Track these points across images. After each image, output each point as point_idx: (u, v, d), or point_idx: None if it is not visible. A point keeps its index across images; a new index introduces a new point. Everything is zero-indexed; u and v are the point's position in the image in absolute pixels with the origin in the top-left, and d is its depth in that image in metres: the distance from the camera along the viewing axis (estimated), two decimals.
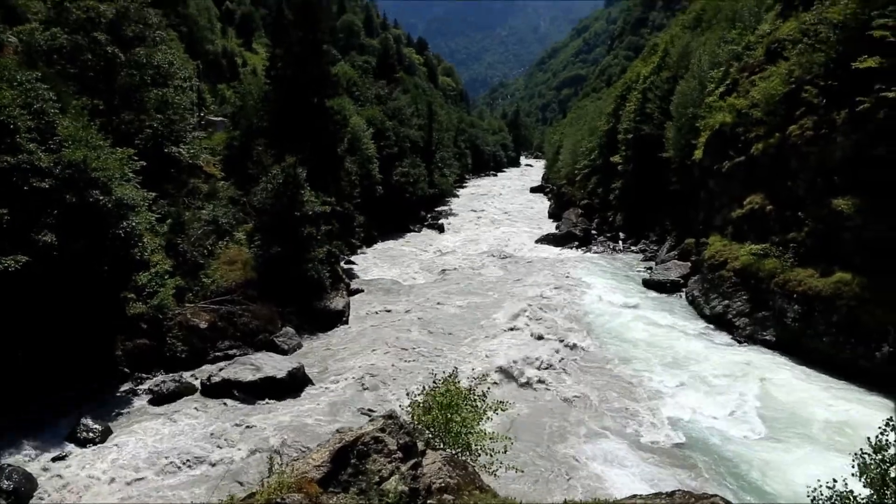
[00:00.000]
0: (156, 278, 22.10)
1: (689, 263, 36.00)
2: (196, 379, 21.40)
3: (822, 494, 5.92)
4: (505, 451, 9.83)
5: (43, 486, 14.90)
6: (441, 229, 60.13)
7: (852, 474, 5.85)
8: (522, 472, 12.35)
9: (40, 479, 15.13)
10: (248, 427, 18.24)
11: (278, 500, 5.93)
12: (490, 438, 9.77)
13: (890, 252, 20.85)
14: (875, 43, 22.59)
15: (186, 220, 26.74)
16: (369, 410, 19.15)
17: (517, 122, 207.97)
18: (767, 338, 24.90)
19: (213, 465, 16.14)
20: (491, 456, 9.63)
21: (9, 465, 14.97)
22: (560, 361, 23.66)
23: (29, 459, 15.89)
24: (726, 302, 27.83)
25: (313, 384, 21.65)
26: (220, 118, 44.97)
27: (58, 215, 18.11)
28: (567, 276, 39.09)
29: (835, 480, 5.93)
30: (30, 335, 17.50)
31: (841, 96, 24.00)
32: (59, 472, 15.56)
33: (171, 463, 16.06)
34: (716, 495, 8.62)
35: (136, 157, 22.30)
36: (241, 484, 14.50)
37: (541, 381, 21.93)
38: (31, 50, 25.02)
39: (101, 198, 18.74)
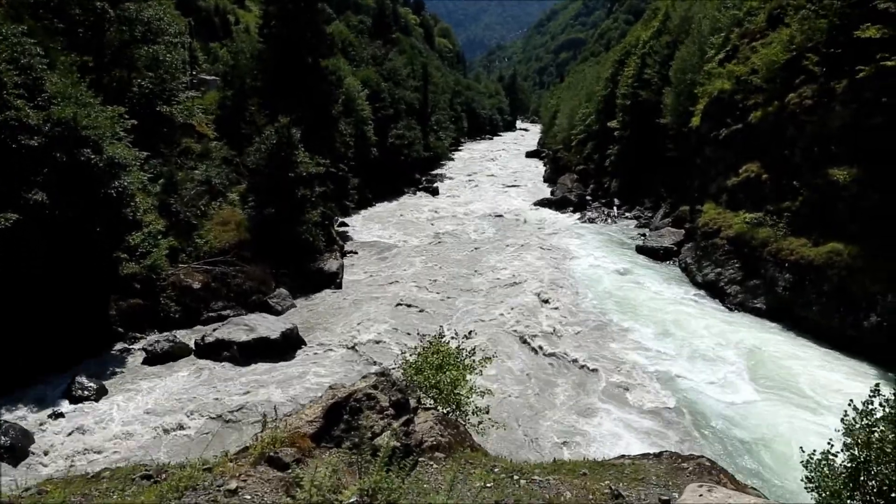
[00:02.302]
0: (149, 238, 22.01)
1: (682, 231, 36.10)
2: (190, 339, 21.49)
3: (811, 459, 6.04)
4: (487, 412, 9.98)
5: (39, 442, 15.08)
6: (436, 192, 59.90)
7: (840, 440, 5.97)
8: (504, 427, 12.52)
9: (37, 435, 15.29)
10: (241, 386, 18.43)
11: (271, 453, 6.01)
12: (478, 393, 9.91)
13: (884, 221, 20.94)
14: (878, 12, 22.34)
15: (179, 180, 26.51)
16: (362, 370, 19.34)
17: (514, 85, 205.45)
18: (758, 306, 25.15)
19: (207, 422, 16.33)
20: (479, 416, 9.79)
21: (6, 422, 15.11)
22: (551, 325, 23.87)
23: (26, 416, 16.03)
24: (718, 270, 28.00)
25: (306, 344, 21.82)
26: (212, 77, 44.15)
27: (48, 174, 17.90)
28: (561, 241, 39.19)
29: (830, 443, 6.05)
30: (23, 294, 17.46)
31: (841, 65, 23.81)
32: (56, 429, 15.72)
33: (165, 420, 16.24)
34: (702, 456, 8.81)
35: (126, 116, 21.96)
36: (234, 440, 14.70)
37: (532, 344, 22.16)
38: (17, 3, 24.31)
39: (91, 156, 18.51)
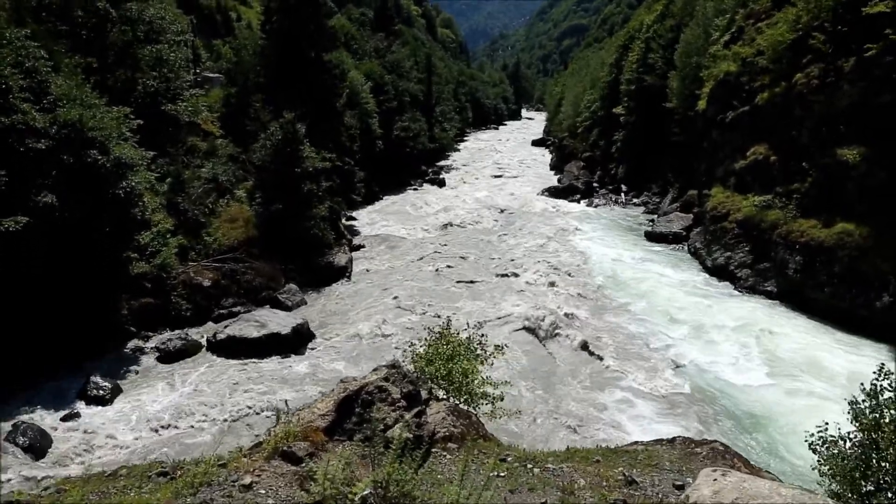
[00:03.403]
0: (158, 237, 22.11)
1: (691, 215, 35.93)
2: (201, 336, 21.64)
3: (818, 440, 6.01)
4: (502, 399, 9.98)
5: (57, 441, 15.25)
6: (442, 184, 59.79)
7: (849, 421, 5.93)
8: (518, 413, 12.51)
9: (54, 435, 15.45)
10: (253, 382, 18.54)
11: (285, 448, 6.06)
12: (491, 385, 9.91)
13: (892, 199, 20.75)
14: None
15: (186, 178, 26.59)
16: (373, 362, 19.40)
17: (518, 74, 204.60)
18: (769, 289, 25.02)
19: (221, 419, 16.46)
20: (493, 404, 9.79)
21: (23, 423, 15.29)
22: (562, 311, 23.82)
23: (42, 417, 16.19)
24: (728, 253, 27.86)
25: (317, 338, 21.91)
26: (216, 74, 44.12)
27: (56, 176, 18.00)
28: (569, 229, 39.09)
29: (826, 424, 6.02)
30: (37, 295, 17.62)
31: (849, 43, 23.50)
32: (72, 429, 15.89)
33: (179, 418, 16.38)
34: (715, 441, 8.79)
35: (132, 116, 22.01)
36: (248, 435, 14.81)
37: (545, 332, 22.12)
38: (20, 6, 24.37)
39: (98, 157, 18.58)
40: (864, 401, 5.81)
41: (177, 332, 21.55)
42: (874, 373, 5.97)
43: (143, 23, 27.69)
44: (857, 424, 5.76)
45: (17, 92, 17.72)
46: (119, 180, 19.27)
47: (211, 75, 44.26)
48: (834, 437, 5.94)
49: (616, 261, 31.64)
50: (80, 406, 16.92)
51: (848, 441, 5.83)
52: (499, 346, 10.63)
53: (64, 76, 20.38)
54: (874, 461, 5.47)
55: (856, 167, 22.12)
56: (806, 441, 6.10)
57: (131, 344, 20.82)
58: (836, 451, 5.82)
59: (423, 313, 24.33)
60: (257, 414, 16.62)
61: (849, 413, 5.91)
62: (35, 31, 20.88)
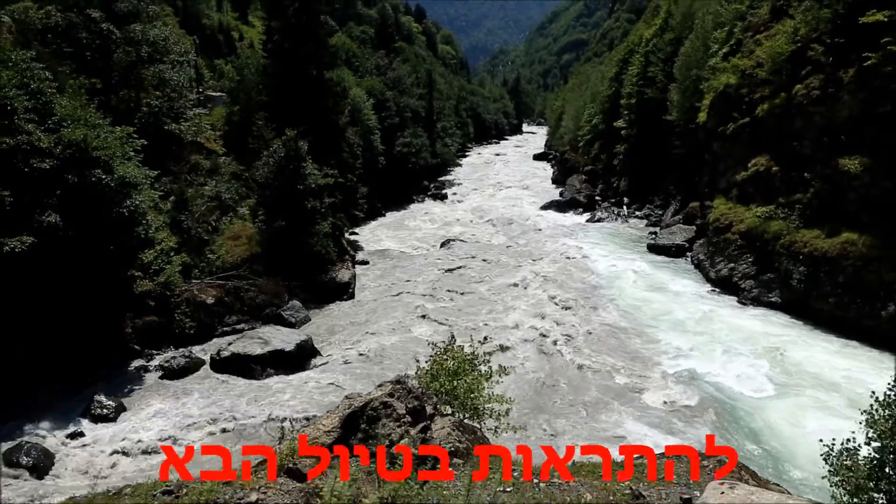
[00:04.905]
0: (162, 256, 22.17)
1: (694, 227, 35.92)
2: (205, 354, 21.60)
3: (832, 451, 5.98)
4: (507, 414, 9.91)
5: (61, 461, 15.19)
6: (445, 199, 59.99)
7: (863, 433, 5.90)
8: (525, 429, 12.41)
9: (58, 454, 15.41)
10: (258, 399, 18.48)
11: (290, 464, 6.04)
12: (495, 400, 9.86)
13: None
14: None
15: (190, 196, 26.71)
16: (378, 378, 19.34)
17: (518, 88, 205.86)
18: (773, 299, 24.94)
19: (226, 436, 16.39)
20: (498, 420, 9.75)
21: (27, 442, 15.24)
22: (569, 326, 23.77)
23: (46, 436, 16.14)
24: (732, 265, 27.82)
25: (321, 355, 21.88)
26: (218, 93, 44.52)
27: (61, 196, 18.09)
28: (571, 242, 39.09)
29: (853, 435, 5.99)
30: (41, 315, 17.64)
31: (848, 54, 23.64)
32: (76, 448, 15.83)
33: (183, 436, 16.32)
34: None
35: (135, 136, 22.16)
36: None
37: (551, 346, 22.06)
38: (26, 29, 24.72)
39: (103, 177, 18.68)
40: (877, 410, 5.78)
41: (181, 349, 21.55)
42: (888, 384, 5.96)
43: (147, 43, 27.99)
44: (871, 432, 5.72)
45: (22, 113, 17.87)
46: (123, 199, 19.36)
47: (214, 94, 44.68)
48: (848, 447, 5.91)
49: (619, 273, 31.59)
50: (84, 424, 16.87)
51: (861, 450, 5.80)
52: (503, 367, 10.58)
53: (68, 97, 20.55)
54: (887, 470, 5.43)
55: (858, 177, 22.15)
56: (821, 454, 6.06)
57: (135, 362, 20.81)
58: (849, 463, 5.78)
59: (428, 328, 24.30)
60: (262, 431, 16.53)
61: (861, 422, 5.88)
62: (40, 53, 21.13)
